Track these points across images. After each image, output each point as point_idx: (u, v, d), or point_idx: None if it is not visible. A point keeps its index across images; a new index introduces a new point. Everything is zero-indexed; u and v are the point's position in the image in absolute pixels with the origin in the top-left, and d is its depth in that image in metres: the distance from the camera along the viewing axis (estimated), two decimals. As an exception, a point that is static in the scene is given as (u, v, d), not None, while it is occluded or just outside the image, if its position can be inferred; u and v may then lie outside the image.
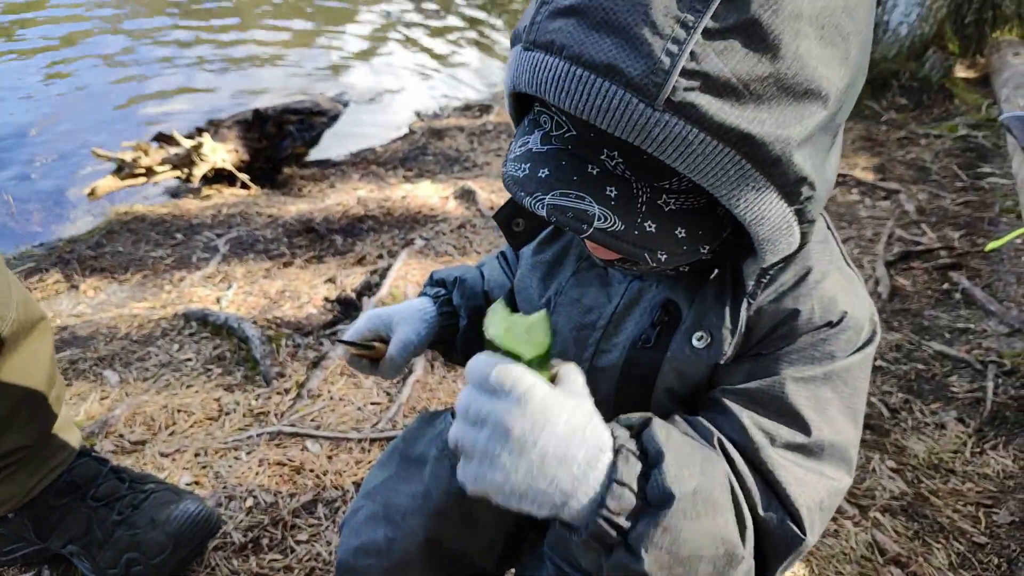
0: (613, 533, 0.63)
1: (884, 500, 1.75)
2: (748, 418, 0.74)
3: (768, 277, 0.71)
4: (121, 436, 1.92)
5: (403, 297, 2.74)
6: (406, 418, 2.02)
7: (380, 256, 3.16)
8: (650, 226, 0.62)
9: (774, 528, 0.71)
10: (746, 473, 0.72)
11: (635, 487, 0.63)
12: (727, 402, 0.76)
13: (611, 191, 0.61)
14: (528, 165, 0.62)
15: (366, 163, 4.35)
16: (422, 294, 1.14)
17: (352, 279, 2.98)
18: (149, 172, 3.80)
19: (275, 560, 1.46)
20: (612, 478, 0.63)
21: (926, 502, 1.76)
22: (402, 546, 1.07)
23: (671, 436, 0.68)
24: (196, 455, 1.80)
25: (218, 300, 2.81)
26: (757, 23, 0.53)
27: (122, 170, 3.80)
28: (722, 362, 0.75)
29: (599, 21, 0.55)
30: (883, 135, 4.24)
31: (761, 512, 0.71)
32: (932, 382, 2.19)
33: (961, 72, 4.89)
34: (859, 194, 3.54)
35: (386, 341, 1.07)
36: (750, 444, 0.73)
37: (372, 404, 2.07)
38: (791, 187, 0.60)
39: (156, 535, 1.31)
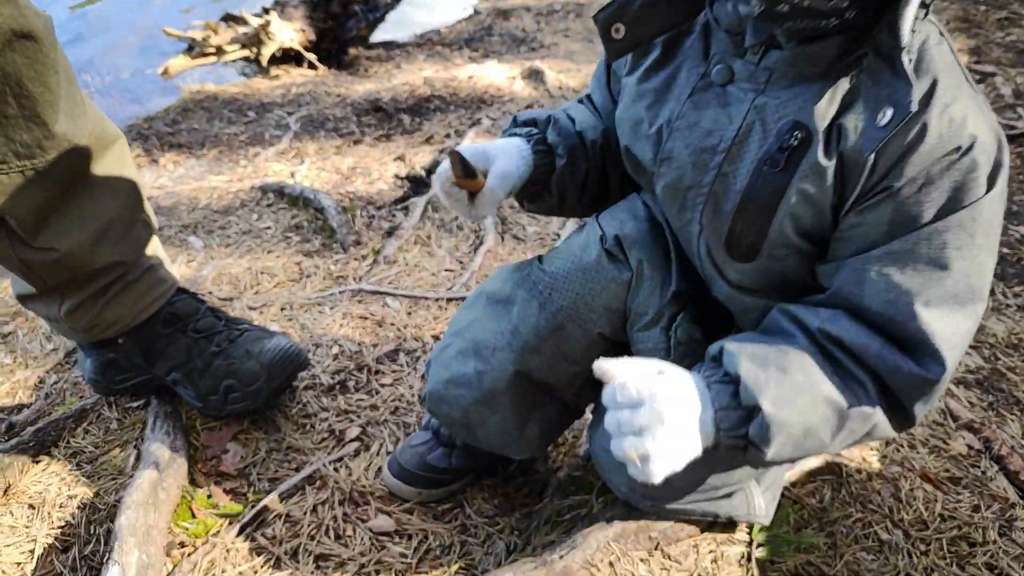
0: (739, 442, 0.82)
1: (959, 373, 1.74)
2: (889, 285, 0.79)
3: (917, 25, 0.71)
4: (210, 293, 2.02)
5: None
6: (478, 284, 2.07)
7: (448, 135, 3.16)
8: None
9: (903, 375, 0.80)
10: (851, 339, 0.80)
11: (732, 405, 0.80)
12: (869, 273, 0.80)
13: None
14: None
15: (431, 44, 4.28)
16: (509, 135, 1.11)
17: (420, 157, 2.99)
18: (219, 51, 3.83)
19: (361, 400, 1.55)
20: (715, 407, 0.81)
21: (1003, 378, 1.74)
22: (492, 378, 1.12)
23: (742, 351, 0.82)
24: (282, 309, 1.89)
25: (292, 175, 2.87)
26: None
27: (193, 49, 3.84)
28: (883, 124, 0.74)
29: None
30: (981, 15, 3.94)
31: (883, 366, 0.80)
32: (1017, 265, 2.12)
33: (1076, -54, 4.46)
34: (951, 76, 3.34)
35: (483, 175, 1.04)
36: (891, 309, 0.79)
37: (446, 271, 2.12)
38: None
39: (251, 365, 1.40)
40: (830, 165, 0.79)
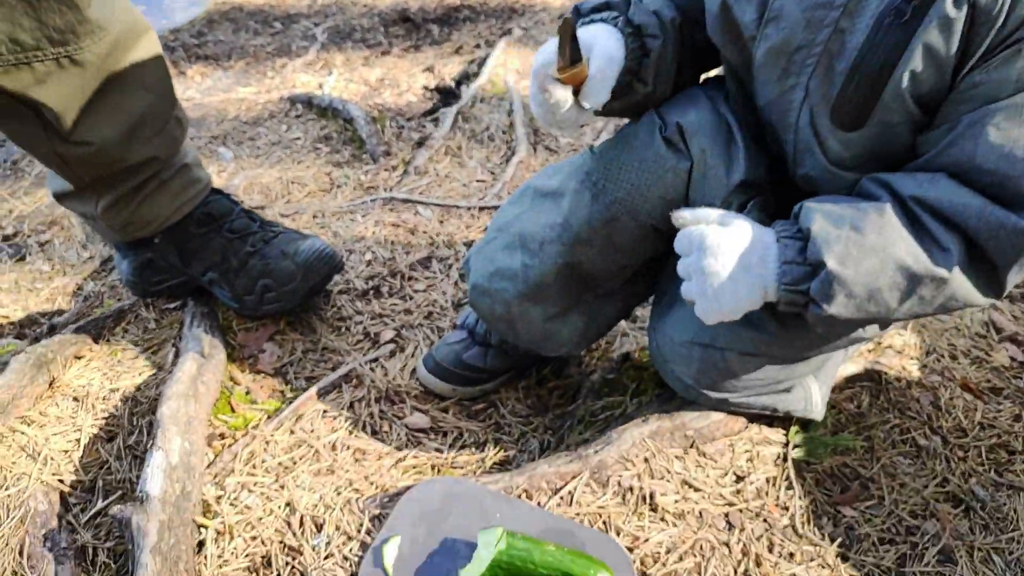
0: (799, 298, 0.84)
1: (1005, 287, 1.70)
2: (1008, 139, 0.76)
3: None
4: (242, 201, 2.01)
5: (504, 86, 2.67)
6: (510, 195, 2.04)
7: (477, 46, 3.07)
8: None
9: (1008, 231, 0.77)
10: (949, 200, 0.78)
11: (798, 260, 0.82)
12: (987, 128, 0.77)
13: None
14: None
15: (460, -48, 4.12)
16: (581, 25, 0.98)
17: (450, 68, 2.92)
18: (243, -40, 3.72)
19: (395, 304, 1.55)
20: (779, 261, 0.83)
21: (1050, 292, 1.70)
22: (539, 271, 1.11)
23: (820, 208, 0.82)
24: (314, 216, 1.88)
25: (320, 86, 2.82)
26: None
27: (216, -41, 3.73)
28: None
29: None
30: None
31: (985, 225, 0.78)
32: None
33: None
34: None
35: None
36: (1007, 164, 0.76)
37: (477, 181, 2.09)
38: None
39: (287, 264, 1.40)
40: (959, 16, 0.73)
